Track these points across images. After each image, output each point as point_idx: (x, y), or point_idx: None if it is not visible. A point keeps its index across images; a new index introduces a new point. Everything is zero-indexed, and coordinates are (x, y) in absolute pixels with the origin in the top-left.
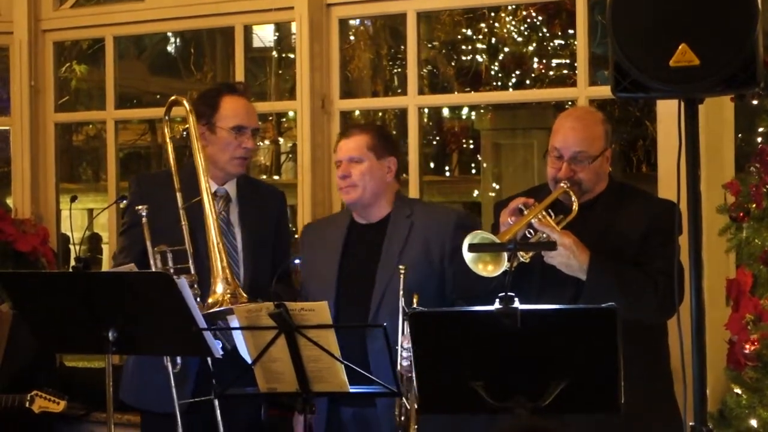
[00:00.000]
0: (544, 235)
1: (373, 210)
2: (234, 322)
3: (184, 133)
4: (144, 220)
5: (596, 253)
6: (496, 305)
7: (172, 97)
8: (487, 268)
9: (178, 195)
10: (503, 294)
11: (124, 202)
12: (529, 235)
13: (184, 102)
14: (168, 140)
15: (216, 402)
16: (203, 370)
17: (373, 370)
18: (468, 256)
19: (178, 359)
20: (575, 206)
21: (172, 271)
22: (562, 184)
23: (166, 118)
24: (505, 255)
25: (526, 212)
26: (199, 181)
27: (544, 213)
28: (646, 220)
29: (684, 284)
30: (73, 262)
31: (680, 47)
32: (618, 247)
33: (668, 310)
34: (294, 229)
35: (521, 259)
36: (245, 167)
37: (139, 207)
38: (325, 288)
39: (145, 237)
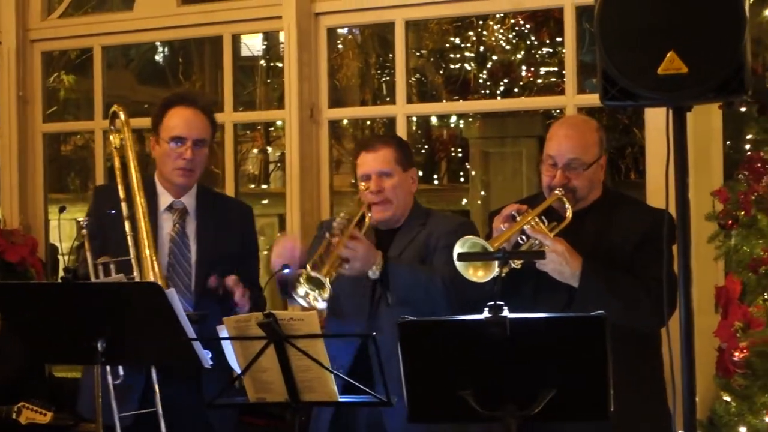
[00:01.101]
0: (536, 242)
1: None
2: (223, 332)
3: (122, 142)
4: (84, 231)
5: (589, 259)
6: (485, 314)
7: (113, 108)
8: (477, 274)
9: (123, 205)
10: (492, 303)
11: (113, 212)
12: (521, 242)
13: (120, 114)
14: (113, 150)
15: (161, 415)
16: (149, 383)
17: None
18: (459, 262)
19: (120, 371)
20: (569, 213)
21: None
22: (556, 192)
23: (112, 127)
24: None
25: (518, 219)
26: (132, 193)
27: (537, 220)
28: (640, 229)
29: (675, 293)
30: (61, 273)
31: (668, 55)
32: (611, 255)
33: (662, 317)
34: None
35: (512, 266)
36: (192, 178)
37: (81, 219)
38: (361, 293)
39: (101, 246)
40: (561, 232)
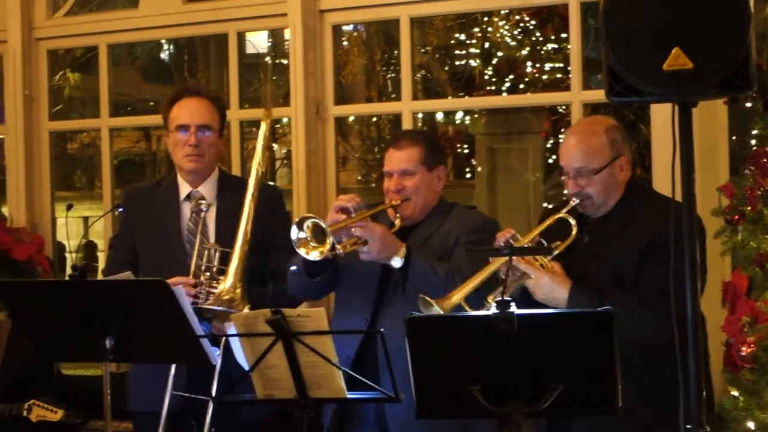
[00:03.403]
0: (518, 274)
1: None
2: (231, 328)
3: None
4: (203, 214)
5: (577, 285)
6: (493, 310)
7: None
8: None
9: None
10: (500, 299)
11: (120, 210)
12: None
13: (264, 113)
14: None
15: (210, 405)
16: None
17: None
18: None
19: None
20: (574, 231)
21: (215, 269)
22: (572, 201)
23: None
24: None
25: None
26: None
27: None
28: (646, 237)
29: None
30: (69, 270)
31: (674, 51)
32: (623, 263)
33: (665, 328)
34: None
35: None
36: (201, 163)
37: (202, 202)
38: (368, 283)
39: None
40: (577, 245)
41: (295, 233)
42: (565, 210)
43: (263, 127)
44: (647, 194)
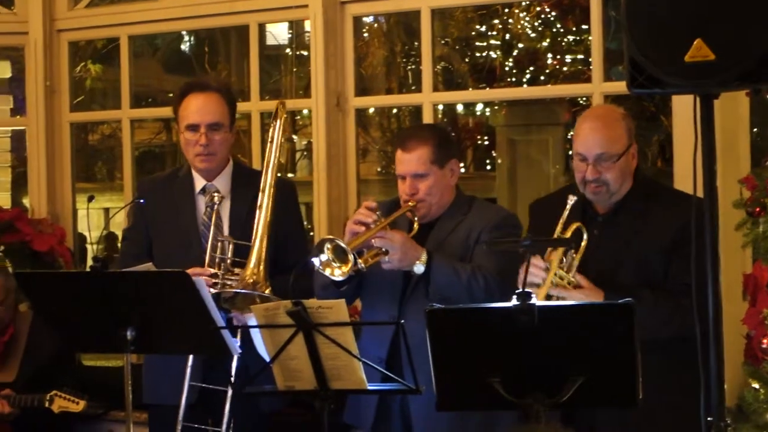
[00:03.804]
0: (554, 295)
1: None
2: (252, 320)
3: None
4: (216, 207)
5: (609, 295)
6: (514, 301)
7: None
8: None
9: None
10: (520, 290)
11: (141, 202)
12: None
13: (279, 107)
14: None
15: (229, 394)
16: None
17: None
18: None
19: None
20: (584, 243)
21: (229, 261)
22: (569, 200)
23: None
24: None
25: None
26: (265, 176)
27: (557, 272)
28: (674, 228)
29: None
30: (90, 262)
31: (695, 42)
32: (645, 257)
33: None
34: (309, 226)
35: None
36: (213, 162)
37: (215, 194)
38: (392, 282)
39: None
40: (597, 229)
41: (316, 257)
42: (566, 213)
43: (277, 125)
44: (655, 185)
